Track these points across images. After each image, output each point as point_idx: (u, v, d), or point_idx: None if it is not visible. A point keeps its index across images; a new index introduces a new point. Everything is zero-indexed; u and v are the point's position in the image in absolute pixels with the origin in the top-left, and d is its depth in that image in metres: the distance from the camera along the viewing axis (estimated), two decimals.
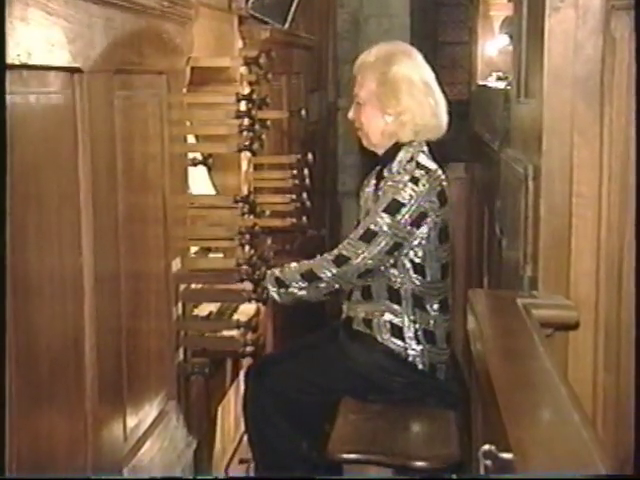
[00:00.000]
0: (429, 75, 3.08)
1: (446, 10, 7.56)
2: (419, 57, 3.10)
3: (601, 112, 2.43)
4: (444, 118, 3.09)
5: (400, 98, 3.01)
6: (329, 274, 2.91)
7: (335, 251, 2.96)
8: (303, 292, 2.95)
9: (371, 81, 3.05)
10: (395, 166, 3.00)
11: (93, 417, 1.76)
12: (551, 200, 2.53)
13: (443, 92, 3.12)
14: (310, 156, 3.44)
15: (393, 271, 2.96)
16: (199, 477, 2.60)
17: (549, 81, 2.52)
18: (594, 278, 2.49)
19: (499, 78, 5.13)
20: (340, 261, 2.92)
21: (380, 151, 3.09)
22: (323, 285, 2.93)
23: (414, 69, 3.04)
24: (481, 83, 5.44)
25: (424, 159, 3.01)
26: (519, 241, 2.73)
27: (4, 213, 1.38)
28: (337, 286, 2.94)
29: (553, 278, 2.53)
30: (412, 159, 2.99)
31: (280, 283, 2.96)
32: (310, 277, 2.93)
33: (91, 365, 1.76)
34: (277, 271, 2.97)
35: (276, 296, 2.97)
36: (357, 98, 3.10)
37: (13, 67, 1.41)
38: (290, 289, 2.95)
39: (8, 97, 1.38)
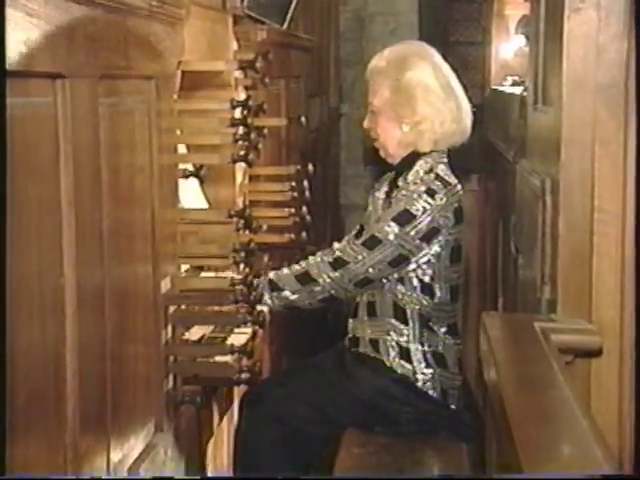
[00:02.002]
0: (448, 76, 3.07)
1: (458, 7, 7.56)
2: (436, 57, 3.08)
3: (625, 121, 2.44)
4: (467, 122, 3.08)
5: (416, 107, 3.00)
6: (325, 277, 2.92)
7: (334, 254, 2.96)
8: (296, 296, 2.95)
9: (384, 88, 3.05)
10: (412, 176, 3.00)
11: (73, 450, 1.76)
12: (570, 216, 2.53)
13: (465, 91, 3.12)
14: (310, 167, 3.45)
15: (400, 287, 2.96)
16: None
17: (569, 88, 2.53)
18: (618, 300, 2.49)
19: (515, 83, 5.16)
20: (338, 264, 2.92)
21: (397, 160, 3.09)
22: (318, 289, 2.93)
23: (430, 73, 3.03)
24: (495, 88, 5.45)
25: (444, 171, 3.01)
26: (536, 260, 2.73)
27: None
28: (333, 292, 2.94)
29: (573, 300, 2.53)
30: (431, 170, 2.99)
31: (273, 286, 2.96)
32: (305, 279, 2.94)
33: (72, 393, 1.75)
34: (271, 274, 2.98)
35: (268, 300, 2.97)
36: (371, 106, 3.11)
37: None
38: (283, 293, 2.95)
39: None
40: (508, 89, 4.93)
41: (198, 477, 2.81)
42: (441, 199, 2.91)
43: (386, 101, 3.04)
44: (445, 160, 3.04)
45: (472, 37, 7.28)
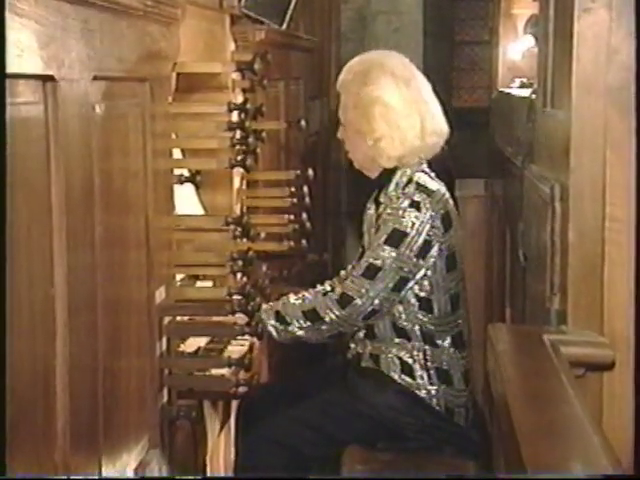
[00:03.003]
0: (418, 89, 3.04)
1: (464, 6, 7.57)
2: (402, 69, 3.05)
3: (638, 125, 2.44)
4: (434, 138, 3.04)
5: (373, 124, 3.01)
6: (332, 316, 2.92)
7: (339, 289, 2.97)
8: (303, 332, 2.95)
9: (348, 102, 3.10)
10: (392, 189, 3.01)
11: (64, 469, 1.75)
12: (581, 224, 2.53)
13: (441, 100, 3.10)
14: (310, 172, 3.45)
15: (398, 307, 2.96)
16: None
17: (579, 90, 2.53)
18: (631, 311, 2.48)
19: (523, 85, 5.16)
20: (344, 302, 2.92)
21: (373, 174, 3.10)
22: (325, 327, 2.93)
23: (392, 88, 3.00)
24: (502, 90, 5.45)
25: (424, 179, 3.00)
26: (545, 270, 2.73)
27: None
28: (341, 329, 2.94)
29: (584, 311, 2.53)
30: (411, 180, 2.99)
31: (280, 319, 2.96)
32: (312, 317, 2.94)
33: (62, 409, 1.75)
34: (279, 305, 2.97)
35: (274, 332, 2.96)
36: (341, 119, 3.14)
37: None
38: (290, 327, 2.95)
39: None
40: (516, 91, 4.93)
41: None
42: (427, 209, 2.91)
43: (349, 115, 3.07)
44: (424, 167, 3.04)
45: (479, 37, 7.29)
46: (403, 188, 2.98)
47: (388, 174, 3.04)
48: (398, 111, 3.00)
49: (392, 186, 3.01)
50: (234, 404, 3.15)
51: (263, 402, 3.11)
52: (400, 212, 2.91)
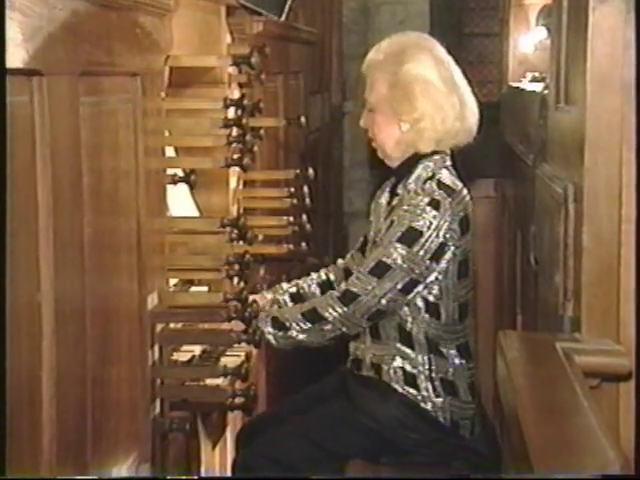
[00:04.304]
0: (452, 70, 3.06)
1: None
2: (437, 49, 3.07)
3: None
4: (472, 120, 3.06)
5: (415, 102, 2.99)
6: (335, 314, 2.91)
7: (342, 286, 2.96)
8: (304, 335, 2.94)
9: (380, 83, 3.04)
10: (412, 183, 2.99)
11: None
12: (596, 226, 2.53)
13: (472, 91, 3.11)
14: (311, 171, 3.45)
15: (405, 309, 2.95)
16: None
17: (593, 86, 2.53)
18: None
19: (535, 79, 5.16)
20: (348, 298, 2.91)
21: (396, 163, 3.08)
22: (328, 327, 2.92)
23: (431, 65, 3.02)
24: (513, 84, 5.46)
25: (447, 177, 2.99)
26: (558, 274, 2.73)
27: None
28: (344, 329, 2.93)
29: (599, 318, 2.53)
30: (433, 176, 2.97)
31: (278, 325, 2.95)
32: (313, 317, 2.93)
33: (49, 422, 1.75)
34: (274, 310, 2.97)
35: (273, 340, 2.96)
36: (367, 104, 3.10)
37: None
38: (290, 332, 2.94)
39: None
40: (527, 86, 4.93)
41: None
42: (446, 210, 2.89)
43: (383, 97, 3.04)
44: (448, 163, 3.03)
45: (488, 28, 7.30)
46: (424, 182, 2.97)
47: (409, 166, 3.02)
48: (439, 88, 2.99)
49: (413, 177, 2.99)
50: (230, 416, 3.15)
51: (261, 418, 3.11)
52: (418, 210, 2.89)
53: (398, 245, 2.88)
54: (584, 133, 2.55)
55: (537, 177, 3.40)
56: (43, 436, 1.73)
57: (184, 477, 2.48)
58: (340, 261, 3.30)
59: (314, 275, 3.24)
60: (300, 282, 3.22)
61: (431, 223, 2.87)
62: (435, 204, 2.90)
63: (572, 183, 2.68)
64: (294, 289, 3.19)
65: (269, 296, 3.16)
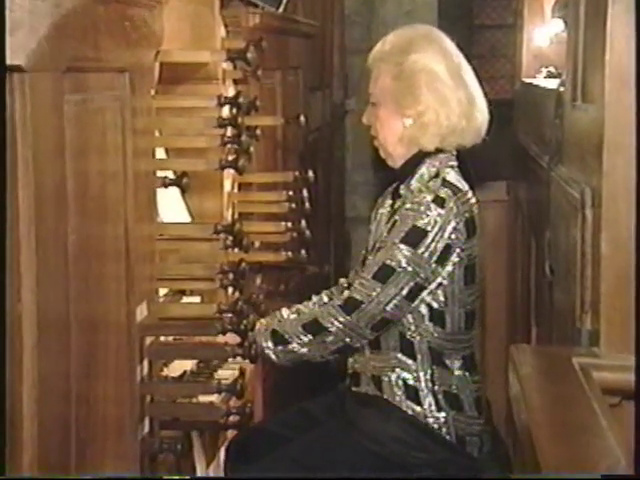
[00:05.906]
0: (461, 65, 3.07)
1: None
2: (446, 43, 3.09)
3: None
4: (480, 120, 3.07)
5: (419, 95, 3.00)
6: (337, 324, 2.91)
7: (345, 294, 2.96)
8: (306, 349, 2.94)
9: (385, 75, 3.06)
10: (415, 182, 3.00)
11: None
12: (615, 233, 2.53)
13: (482, 88, 3.12)
14: (310, 173, 3.46)
15: (408, 317, 2.95)
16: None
17: (612, 83, 2.53)
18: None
19: (550, 75, 5.16)
20: (350, 307, 2.91)
21: (399, 163, 3.08)
22: (330, 339, 2.92)
23: (438, 58, 3.03)
24: (527, 80, 5.46)
25: (453, 176, 3.00)
26: (575, 284, 2.73)
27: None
28: (348, 340, 2.93)
29: (619, 332, 2.53)
30: (437, 175, 2.98)
31: (278, 339, 2.94)
32: (315, 329, 2.93)
33: (30, 441, 1.75)
34: (274, 323, 2.97)
35: (272, 355, 2.95)
36: (371, 97, 3.12)
37: None
38: (291, 346, 2.94)
39: None
40: (542, 82, 4.94)
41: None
42: (451, 209, 2.90)
43: (386, 90, 3.05)
44: (454, 163, 3.04)
45: (501, 20, 7.30)
46: (428, 181, 2.98)
47: (412, 167, 3.03)
48: (445, 82, 3.01)
49: (416, 178, 3.00)
50: (224, 435, 3.15)
51: (252, 439, 3.10)
52: (422, 208, 2.90)
53: (402, 246, 2.88)
54: (603, 133, 2.55)
55: (552, 180, 3.40)
56: (23, 457, 1.73)
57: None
58: (342, 280, 3.31)
59: (315, 298, 3.23)
60: (301, 307, 3.21)
61: (436, 222, 2.88)
62: (440, 202, 2.91)
63: (590, 187, 2.68)
64: (296, 315, 3.16)
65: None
